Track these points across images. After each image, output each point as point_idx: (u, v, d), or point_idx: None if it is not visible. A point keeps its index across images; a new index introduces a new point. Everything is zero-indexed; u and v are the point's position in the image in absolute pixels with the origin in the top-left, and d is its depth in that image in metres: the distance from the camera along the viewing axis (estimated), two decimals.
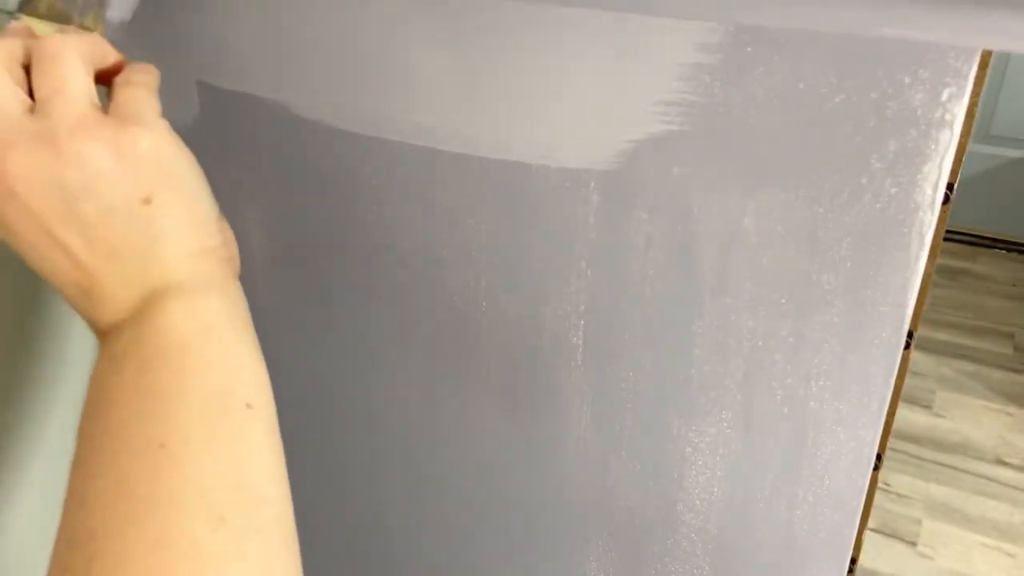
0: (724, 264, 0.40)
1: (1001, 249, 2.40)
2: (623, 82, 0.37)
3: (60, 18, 0.37)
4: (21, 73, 0.33)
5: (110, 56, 0.36)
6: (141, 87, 0.35)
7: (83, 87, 0.33)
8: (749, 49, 0.35)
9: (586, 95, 0.38)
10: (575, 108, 0.39)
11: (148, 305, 0.33)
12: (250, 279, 0.52)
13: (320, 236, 0.49)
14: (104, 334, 0.34)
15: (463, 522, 0.55)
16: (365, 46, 0.41)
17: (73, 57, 0.33)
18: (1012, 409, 1.84)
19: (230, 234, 0.37)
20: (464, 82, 0.40)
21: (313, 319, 0.52)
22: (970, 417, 1.82)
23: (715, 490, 0.46)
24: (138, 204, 0.33)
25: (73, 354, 0.59)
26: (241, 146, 0.48)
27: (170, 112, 0.47)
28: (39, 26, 0.36)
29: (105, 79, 0.36)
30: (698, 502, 0.47)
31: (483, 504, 0.54)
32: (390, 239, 0.47)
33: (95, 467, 0.30)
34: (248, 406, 0.33)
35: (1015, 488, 1.64)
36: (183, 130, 0.49)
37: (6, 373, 0.53)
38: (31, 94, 0.33)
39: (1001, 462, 1.71)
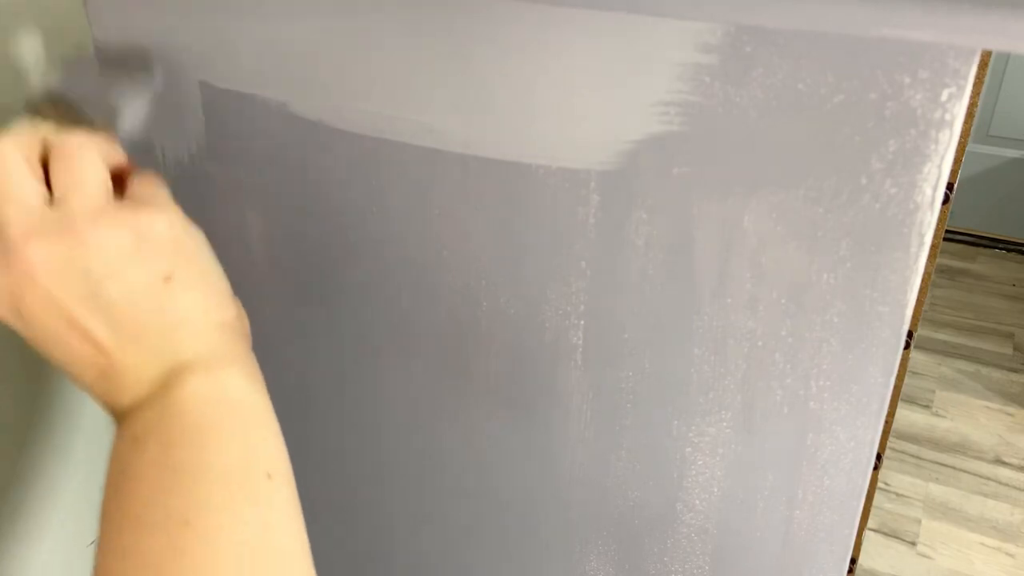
0: (724, 264, 0.40)
1: (1001, 249, 2.40)
2: (623, 82, 0.37)
3: (72, 124, 0.38)
4: (39, 168, 0.34)
5: (122, 157, 0.37)
6: (152, 178, 0.37)
7: (101, 181, 0.35)
8: (749, 49, 0.35)
9: (586, 95, 0.38)
10: (575, 108, 0.39)
11: (169, 382, 0.34)
12: (250, 279, 0.52)
13: (320, 236, 0.49)
14: (122, 416, 0.34)
15: (462, 521, 0.55)
16: (365, 45, 0.41)
17: (92, 154, 0.35)
18: (1012, 409, 1.84)
19: (242, 309, 0.39)
20: (464, 82, 0.40)
21: (313, 319, 0.52)
22: (969, 417, 1.82)
23: (715, 490, 0.46)
24: (160, 282, 0.34)
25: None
26: (241, 146, 0.48)
27: (171, 112, 0.47)
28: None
29: (116, 178, 0.37)
30: (698, 502, 0.47)
31: (482, 504, 0.54)
32: (390, 239, 0.47)
33: (122, 547, 0.31)
34: (268, 476, 0.33)
35: (1014, 488, 1.65)
36: (184, 130, 0.49)
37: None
38: (49, 186, 0.34)
39: (1000, 462, 1.71)
